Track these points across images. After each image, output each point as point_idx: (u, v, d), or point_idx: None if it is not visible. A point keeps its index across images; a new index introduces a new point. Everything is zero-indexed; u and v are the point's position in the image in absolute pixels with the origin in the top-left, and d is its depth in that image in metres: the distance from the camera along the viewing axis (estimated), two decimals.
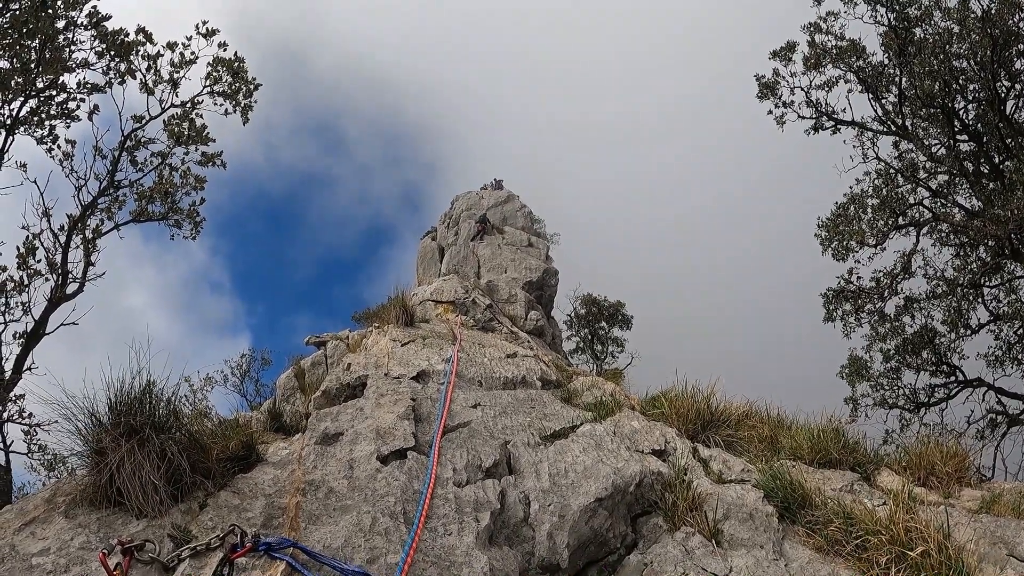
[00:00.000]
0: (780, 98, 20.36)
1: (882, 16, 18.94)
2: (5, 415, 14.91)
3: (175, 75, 15.63)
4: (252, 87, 16.16)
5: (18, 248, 14.36)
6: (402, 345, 11.17)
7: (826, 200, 20.57)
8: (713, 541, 6.15)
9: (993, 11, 17.40)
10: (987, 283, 20.53)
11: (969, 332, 20.70)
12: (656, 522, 6.60)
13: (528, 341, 16.29)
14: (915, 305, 20.83)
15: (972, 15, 17.71)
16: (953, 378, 20.59)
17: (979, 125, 19.07)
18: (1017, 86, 18.28)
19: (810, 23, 19.80)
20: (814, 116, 20.41)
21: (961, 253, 20.59)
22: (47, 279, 14.77)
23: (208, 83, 15.94)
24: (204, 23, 15.73)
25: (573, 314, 29.27)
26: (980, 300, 20.65)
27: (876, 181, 20.20)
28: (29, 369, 14.32)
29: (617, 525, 6.46)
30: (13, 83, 13.98)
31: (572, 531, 6.05)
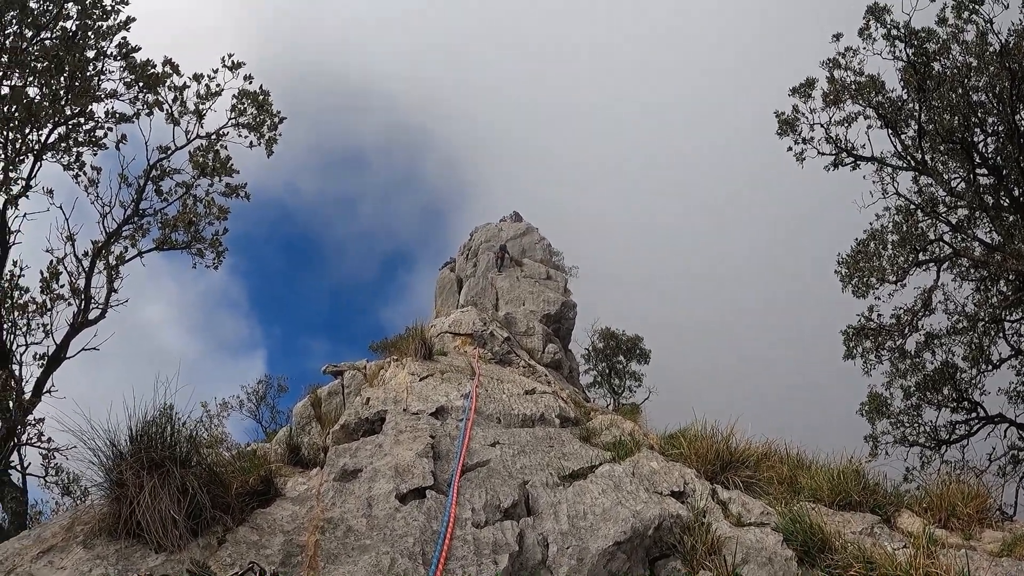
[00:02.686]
0: (800, 134, 20.36)
1: (900, 51, 18.96)
2: (24, 438, 15.01)
3: (200, 107, 15.86)
4: (277, 120, 16.37)
5: (42, 272, 14.54)
6: (421, 379, 11.20)
7: (849, 240, 20.44)
8: None
9: (1011, 44, 17.39)
10: (1008, 318, 20.32)
11: (990, 368, 20.45)
12: (675, 566, 6.54)
13: (546, 375, 16.26)
14: (936, 341, 20.63)
15: (990, 48, 17.71)
16: (974, 414, 20.32)
17: (998, 158, 18.97)
18: None
19: (829, 59, 19.83)
20: (834, 152, 20.35)
21: (982, 288, 20.42)
22: (69, 304, 14.93)
23: (233, 115, 16.16)
24: (230, 56, 16.02)
25: (591, 347, 29.18)
26: (1001, 335, 20.44)
27: (896, 217, 20.12)
28: (49, 392, 14.44)
29: (635, 568, 6.42)
30: (43, 112, 14.23)
31: (591, 574, 6.02)
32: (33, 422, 14.84)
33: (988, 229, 19.61)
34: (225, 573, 5.00)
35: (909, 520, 7.68)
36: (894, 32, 18.89)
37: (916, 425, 20.33)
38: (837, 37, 19.64)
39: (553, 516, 6.62)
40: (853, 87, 19.51)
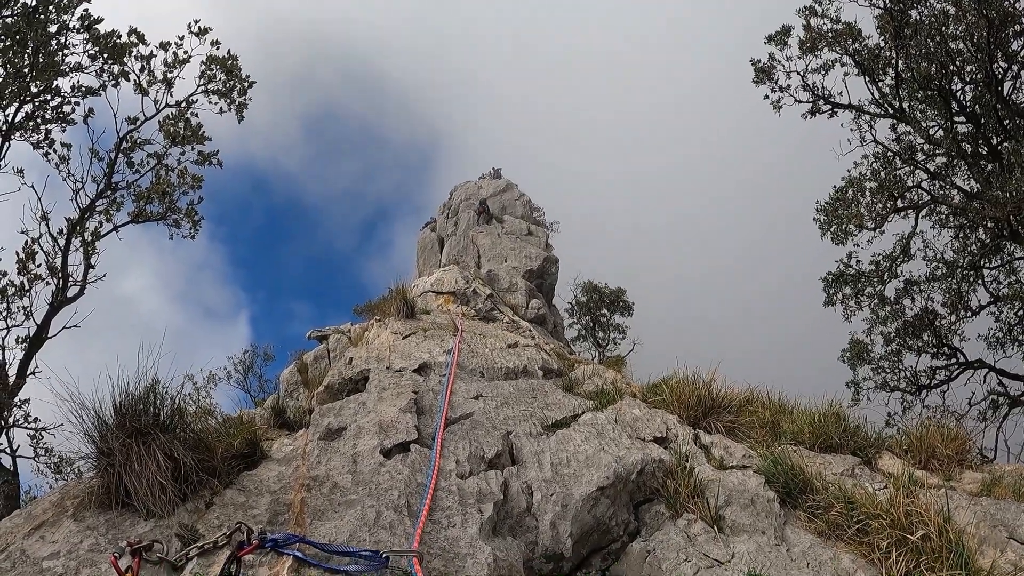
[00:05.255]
0: (776, 82, 20.29)
1: None
2: (11, 420, 14.97)
3: (169, 75, 15.56)
4: (246, 85, 16.07)
5: (18, 253, 14.37)
6: (403, 338, 11.21)
7: (827, 188, 20.51)
8: (715, 527, 6.18)
9: None
10: (987, 265, 20.51)
11: (969, 314, 20.67)
12: (658, 509, 6.63)
13: (529, 330, 16.30)
14: (915, 288, 20.81)
15: None
16: (954, 360, 20.58)
17: (976, 106, 18.98)
18: (1014, 67, 18.19)
19: (805, 7, 19.71)
20: (811, 100, 20.33)
21: (960, 235, 20.56)
22: (48, 283, 14.78)
23: (202, 82, 15.86)
24: (196, 22, 15.63)
25: (574, 301, 29.15)
26: (980, 282, 20.63)
27: (874, 164, 20.15)
28: (33, 373, 14.35)
29: (619, 513, 6.50)
30: (8, 90, 13.96)
31: (575, 520, 6.09)
32: (19, 403, 14.79)
33: (966, 177, 19.70)
34: (213, 535, 5.02)
35: (890, 462, 7.79)
36: None
37: (897, 371, 20.59)
38: None
39: (537, 464, 6.68)
40: (830, 35, 19.43)
